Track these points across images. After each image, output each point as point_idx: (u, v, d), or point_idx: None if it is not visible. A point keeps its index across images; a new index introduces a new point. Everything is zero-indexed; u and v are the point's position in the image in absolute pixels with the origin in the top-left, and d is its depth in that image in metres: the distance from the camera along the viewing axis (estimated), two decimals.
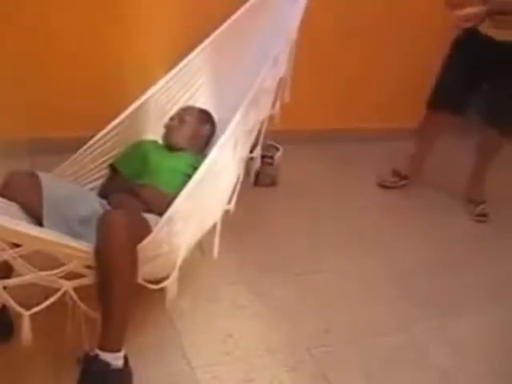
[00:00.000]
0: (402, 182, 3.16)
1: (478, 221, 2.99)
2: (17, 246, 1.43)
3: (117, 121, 2.13)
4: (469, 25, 2.55)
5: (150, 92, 2.22)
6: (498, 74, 2.70)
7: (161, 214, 1.68)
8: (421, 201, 3.08)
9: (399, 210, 2.95)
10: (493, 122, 2.83)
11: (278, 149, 2.99)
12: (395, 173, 3.18)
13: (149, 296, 1.80)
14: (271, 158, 2.94)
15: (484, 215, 3.00)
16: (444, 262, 2.54)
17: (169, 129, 2.25)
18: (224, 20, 2.28)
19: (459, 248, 2.67)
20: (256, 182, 2.88)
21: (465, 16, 2.50)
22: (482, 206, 3.02)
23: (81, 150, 2.09)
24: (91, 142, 2.10)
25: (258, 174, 2.74)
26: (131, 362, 1.63)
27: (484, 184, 3.07)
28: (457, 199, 3.07)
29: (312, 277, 2.32)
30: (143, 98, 2.20)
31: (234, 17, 2.27)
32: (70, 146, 2.07)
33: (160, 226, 1.62)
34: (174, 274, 1.70)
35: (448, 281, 2.42)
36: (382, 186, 3.14)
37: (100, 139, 2.12)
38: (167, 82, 2.26)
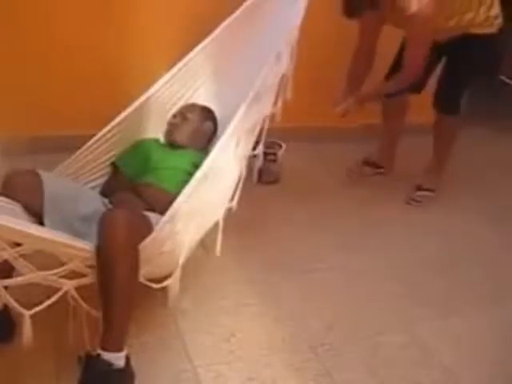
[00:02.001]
0: (378, 171, 3.16)
1: (408, 203, 2.94)
2: (18, 245, 1.43)
3: (118, 119, 2.12)
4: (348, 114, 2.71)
5: (151, 90, 2.21)
6: (452, 53, 2.70)
7: (163, 212, 1.68)
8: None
9: (402, 207, 2.93)
10: (441, 101, 2.79)
11: (280, 146, 2.98)
12: (366, 162, 3.17)
13: (151, 295, 1.79)
14: (274, 155, 2.93)
15: (416, 200, 2.95)
16: (447, 260, 2.52)
17: (171, 126, 2.25)
18: (225, 18, 2.26)
19: (462, 246, 2.65)
20: (259, 180, 2.86)
21: (341, 111, 2.67)
22: (421, 193, 2.97)
23: (82, 149, 2.07)
24: (93, 140, 2.09)
25: (260, 172, 2.72)
26: (133, 362, 1.63)
27: (441, 174, 3.01)
28: (460, 197, 3.05)
29: (316, 275, 2.31)
30: (145, 96, 2.19)
31: (236, 14, 2.25)
32: (71, 145, 2.06)
33: (162, 225, 1.62)
34: (177, 273, 1.69)
35: (451, 279, 2.40)
36: (349, 175, 3.13)
37: (102, 137, 2.10)
38: (169, 81, 2.24)
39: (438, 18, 2.46)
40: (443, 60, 2.79)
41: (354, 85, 2.76)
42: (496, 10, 2.60)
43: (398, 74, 2.63)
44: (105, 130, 2.10)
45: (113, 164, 2.15)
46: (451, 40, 2.64)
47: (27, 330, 1.46)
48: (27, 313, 1.46)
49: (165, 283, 1.68)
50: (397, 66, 2.81)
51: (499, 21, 2.62)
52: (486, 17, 2.57)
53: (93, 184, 2.12)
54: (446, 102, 2.80)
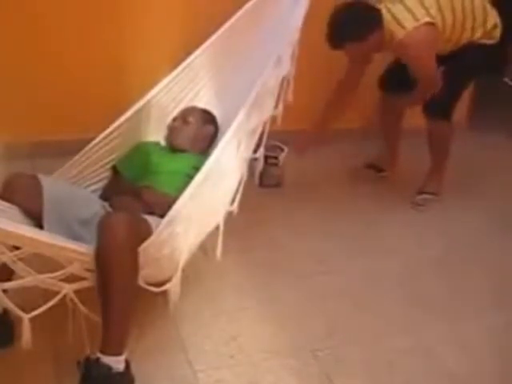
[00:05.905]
0: (381, 174, 3.15)
1: (413, 207, 2.93)
2: (16, 248, 1.43)
3: (119, 122, 2.12)
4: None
5: (152, 93, 2.20)
6: (449, 60, 2.65)
7: (163, 215, 1.67)
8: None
9: (405, 210, 2.91)
10: (430, 106, 2.74)
11: (282, 149, 2.97)
12: (368, 166, 3.16)
13: (151, 299, 1.79)
14: (276, 158, 2.92)
15: (418, 204, 2.94)
16: (451, 264, 2.51)
17: (171, 130, 2.24)
18: (226, 20, 2.25)
19: (468, 248, 2.63)
20: (261, 183, 2.86)
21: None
22: (422, 197, 2.94)
23: (83, 152, 2.07)
24: (93, 143, 2.08)
25: (262, 175, 2.72)
26: (133, 366, 1.62)
27: (441, 177, 2.98)
28: (464, 201, 3.03)
29: (317, 278, 2.30)
30: (145, 99, 2.18)
31: (236, 16, 2.24)
32: (72, 149, 2.06)
33: (161, 228, 1.61)
34: (177, 277, 1.68)
35: (455, 282, 2.38)
36: (351, 179, 3.12)
37: (102, 141, 2.10)
38: (169, 83, 2.24)
39: (433, 41, 2.49)
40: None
41: (332, 114, 2.84)
42: (492, 20, 2.58)
43: (415, 92, 2.62)
44: (105, 133, 2.10)
45: (113, 167, 2.15)
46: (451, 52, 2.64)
47: (26, 334, 1.46)
48: (26, 316, 1.45)
49: (165, 287, 1.67)
50: (390, 75, 2.84)
51: (498, 29, 2.59)
52: (482, 32, 2.56)
53: (93, 187, 2.12)
54: (434, 107, 2.74)
